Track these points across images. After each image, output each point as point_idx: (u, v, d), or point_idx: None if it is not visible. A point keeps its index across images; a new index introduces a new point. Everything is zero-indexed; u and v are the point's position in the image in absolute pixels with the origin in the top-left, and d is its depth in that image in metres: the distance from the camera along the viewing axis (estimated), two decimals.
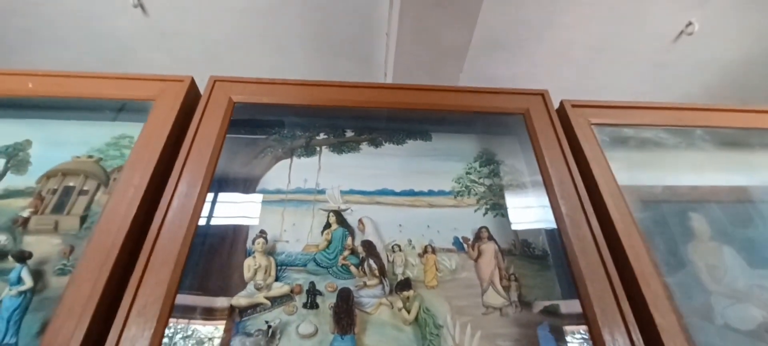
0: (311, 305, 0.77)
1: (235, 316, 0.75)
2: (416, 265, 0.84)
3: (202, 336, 0.71)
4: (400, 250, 0.86)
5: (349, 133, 1.06)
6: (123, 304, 0.62)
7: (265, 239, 0.83)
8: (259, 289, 0.78)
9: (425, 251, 0.86)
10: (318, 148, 1.03)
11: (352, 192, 0.95)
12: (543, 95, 1.02)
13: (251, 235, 0.86)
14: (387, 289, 0.80)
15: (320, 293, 0.79)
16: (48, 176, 0.93)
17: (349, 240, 0.86)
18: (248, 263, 0.80)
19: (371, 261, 0.81)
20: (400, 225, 0.90)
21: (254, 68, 1.92)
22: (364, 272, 0.81)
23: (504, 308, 0.78)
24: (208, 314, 0.74)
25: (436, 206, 0.95)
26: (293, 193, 0.94)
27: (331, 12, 1.80)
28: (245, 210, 0.90)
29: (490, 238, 0.88)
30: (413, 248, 0.87)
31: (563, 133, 0.94)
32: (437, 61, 1.74)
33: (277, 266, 0.82)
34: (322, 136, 1.05)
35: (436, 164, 1.03)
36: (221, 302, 0.75)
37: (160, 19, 1.69)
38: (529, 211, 0.96)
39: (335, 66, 1.82)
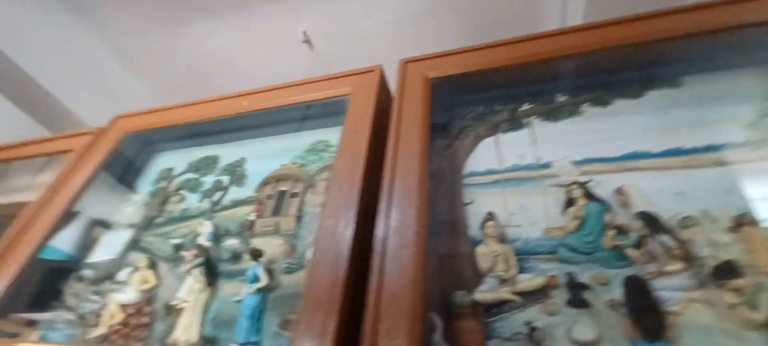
0: (577, 302, 0.57)
1: (481, 314, 0.60)
2: (730, 243, 0.57)
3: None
4: (696, 225, 0.59)
5: (561, 97, 0.86)
6: (371, 296, 0.53)
7: (496, 222, 0.68)
8: (502, 282, 0.62)
9: (738, 224, 0.58)
10: (525, 120, 0.85)
11: (588, 161, 0.74)
12: None
13: (472, 221, 0.72)
14: (696, 278, 0.54)
15: (586, 287, 0.58)
16: (264, 183, 0.98)
17: (607, 217, 0.64)
18: (483, 252, 0.65)
19: (663, 238, 0.57)
20: (679, 193, 0.64)
21: None
22: (651, 256, 0.57)
23: None
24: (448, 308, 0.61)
25: (729, 164, 0.65)
26: (510, 171, 0.78)
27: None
28: (459, 195, 0.77)
29: None
30: (714, 220, 0.59)
31: None
32: None
33: (515, 254, 0.65)
34: (527, 106, 0.87)
35: (705, 113, 0.74)
36: (461, 296, 0.61)
37: (324, 49, 1.82)
38: None
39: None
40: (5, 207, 1.33)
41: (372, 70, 0.91)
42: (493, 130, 0.86)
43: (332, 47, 1.81)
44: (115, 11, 1.84)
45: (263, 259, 0.78)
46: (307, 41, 1.78)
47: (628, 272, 0.58)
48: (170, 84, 2.07)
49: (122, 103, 2.27)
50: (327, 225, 0.64)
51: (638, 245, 0.59)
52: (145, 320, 0.79)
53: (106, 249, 0.99)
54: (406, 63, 0.89)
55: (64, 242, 1.00)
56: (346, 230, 0.62)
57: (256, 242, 0.85)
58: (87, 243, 1.02)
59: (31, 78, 1.70)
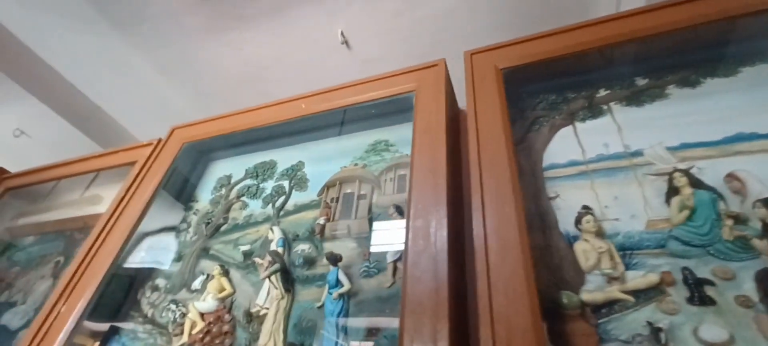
0: (701, 299, 0.53)
1: (589, 316, 0.56)
2: None
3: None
4: None
5: (642, 80, 0.81)
6: (481, 300, 0.50)
7: (594, 216, 0.64)
8: (610, 281, 0.58)
9: None
10: (604, 107, 0.80)
11: (685, 146, 0.69)
12: None
13: (561, 216, 0.68)
14: None
15: (709, 282, 0.54)
16: (328, 186, 0.97)
17: (720, 205, 0.59)
18: (584, 248, 0.61)
19: None
20: None
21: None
22: None
23: None
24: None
25: None
26: (596, 162, 0.73)
27: None
28: (542, 190, 0.73)
29: None
30: None
31: None
32: None
33: (617, 250, 0.61)
34: (604, 91, 0.82)
35: None
36: (567, 297, 0.58)
37: (361, 49, 1.81)
38: None
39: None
40: (57, 223, 1.38)
41: (435, 65, 0.88)
42: (570, 119, 0.82)
43: (370, 47, 1.80)
44: (156, 26, 1.88)
45: (341, 263, 0.76)
46: (345, 42, 1.77)
47: (757, 264, 0.53)
48: (211, 93, 2.11)
49: (165, 114, 2.33)
50: (417, 226, 0.62)
51: (762, 234, 0.55)
52: (226, 328, 0.79)
53: (176, 257, 1.01)
54: (472, 55, 0.86)
55: (135, 253, 1.02)
56: (439, 231, 0.60)
57: (328, 246, 0.84)
58: (156, 252, 1.04)
59: (80, 93, 1.76)
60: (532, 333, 0.46)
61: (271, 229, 0.92)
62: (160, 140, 1.20)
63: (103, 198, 1.42)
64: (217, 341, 0.78)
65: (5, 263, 1.30)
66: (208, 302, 0.83)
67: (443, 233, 0.59)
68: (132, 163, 1.18)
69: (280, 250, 0.86)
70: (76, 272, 0.91)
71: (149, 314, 0.91)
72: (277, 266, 0.81)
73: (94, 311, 0.87)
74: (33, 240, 1.33)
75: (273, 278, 0.80)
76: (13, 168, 1.52)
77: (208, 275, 0.92)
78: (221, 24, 1.86)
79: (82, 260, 0.93)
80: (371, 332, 0.68)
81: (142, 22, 1.80)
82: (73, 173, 1.33)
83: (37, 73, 1.64)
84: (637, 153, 0.71)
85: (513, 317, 0.48)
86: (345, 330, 0.70)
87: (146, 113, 2.02)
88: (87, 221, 1.31)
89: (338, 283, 0.73)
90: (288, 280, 0.80)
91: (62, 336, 0.79)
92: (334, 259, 0.76)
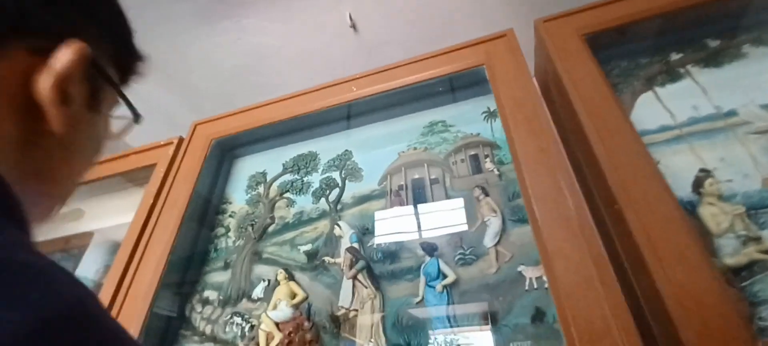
0: None
1: (733, 281, 0.55)
2: None
3: None
4: None
5: (714, 42, 0.80)
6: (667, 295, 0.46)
7: (715, 178, 0.62)
8: (746, 242, 0.56)
9: None
10: (682, 70, 0.79)
11: None
12: None
13: (672, 182, 0.66)
14: None
15: None
16: (390, 173, 0.90)
17: None
18: (712, 212, 0.60)
19: None
20: None
21: None
22: None
23: None
24: None
25: None
26: (689, 125, 0.72)
27: None
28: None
29: None
30: None
31: None
32: None
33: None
34: (676, 55, 0.81)
35: None
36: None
37: (371, 32, 1.73)
38: None
39: None
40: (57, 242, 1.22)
41: (504, 35, 0.83)
42: (649, 84, 0.80)
43: (379, 30, 1.71)
44: (140, 14, 1.67)
45: (438, 253, 0.71)
46: (353, 26, 1.68)
47: None
48: (203, 90, 1.94)
49: (152, 115, 2.13)
50: (547, 209, 0.57)
51: None
52: (309, 336, 0.72)
53: (222, 266, 0.91)
54: (543, 22, 0.81)
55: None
56: (581, 213, 0.55)
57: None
58: (196, 261, 0.93)
59: None
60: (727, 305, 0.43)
61: (337, 224, 0.84)
62: (180, 139, 1.07)
63: (84, 212, 1.27)
64: None
65: None
66: (282, 311, 0.75)
67: (586, 216, 0.55)
68: (150, 167, 1.04)
69: (355, 245, 0.79)
70: (115, 295, 0.79)
71: (207, 331, 0.81)
72: (363, 263, 0.74)
73: (145, 338, 0.76)
74: None
75: (360, 276, 0.73)
76: None
77: (269, 282, 0.83)
78: (214, 11, 1.71)
79: (120, 281, 0.81)
80: (486, 322, 0.63)
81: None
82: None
83: None
84: (731, 113, 0.70)
85: (691, 287, 0.45)
86: (456, 323, 0.65)
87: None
88: (70, 241, 1.16)
89: (440, 274, 0.68)
90: (373, 277, 0.74)
91: None
92: (431, 249, 0.71)
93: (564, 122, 0.69)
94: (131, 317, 0.75)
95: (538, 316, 0.61)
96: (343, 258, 0.79)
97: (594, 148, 0.59)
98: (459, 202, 0.79)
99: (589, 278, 0.49)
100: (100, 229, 1.10)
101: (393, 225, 0.82)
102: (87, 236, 1.15)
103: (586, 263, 0.50)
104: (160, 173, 0.99)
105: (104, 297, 0.80)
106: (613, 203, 0.54)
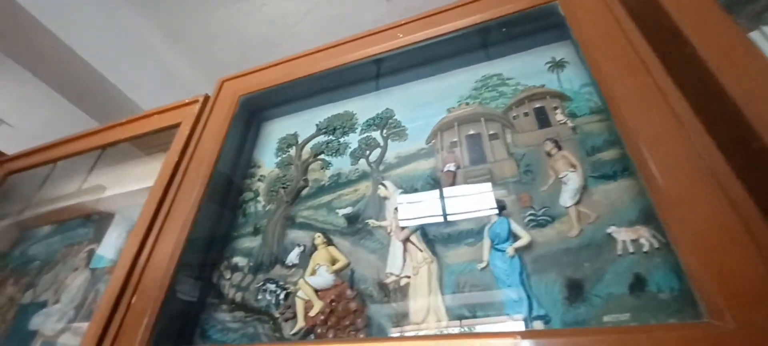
0: None
1: None
2: None
3: None
4: None
5: None
6: None
7: None
8: None
9: None
10: None
11: None
12: None
13: None
14: None
15: None
16: (439, 130, 0.80)
17: None
18: None
19: None
20: None
21: None
22: None
23: None
24: None
25: None
26: None
27: None
28: None
29: None
30: None
31: None
32: None
33: None
34: None
35: None
36: None
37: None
38: None
39: None
40: (79, 207, 1.17)
41: None
42: (755, 22, 0.67)
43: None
44: None
45: (507, 212, 0.60)
46: None
47: None
48: (226, 61, 1.87)
49: (173, 86, 2.08)
50: (664, 153, 0.46)
51: None
52: (353, 305, 0.62)
53: (251, 231, 0.83)
54: None
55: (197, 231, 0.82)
56: (711, 153, 0.44)
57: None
58: (223, 226, 0.85)
59: (80, 58, 1.51)
60: None
61: (382, 185, 0.75)
62: (206, 97, 0.99)
63: (105, 188, 1.21)
64: (346, 322, 0.61)
65: (20, 260, 1.08)
66: (322, 277, 0.66)
67: (711, 147, 0.43)
68: (174, 127, 0.97)
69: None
70: (136, 258, 0.71)
71: (238, 299, 0.73)
72: (415, 225, 0.64)
73: (169, 301, 0.69)
74: (51, 230, 1.11)
75: (414, 238, 0.63)
76: None
77: (304, 247, 0.74)
78: None
79: (141, 244, 0.73)
80: (570, 290, 0.53)
81: None
82: (88, 147, 1.11)
83: (27, 33, 1.38)
84: None
85: None
86: (531, 291, 0.54)
87: (152, 86, 1.78)
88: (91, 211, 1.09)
89: (511, 235, 0.57)
90: (427, 240, 0.64)
91: (143, 331, 0.60)
92: (500, 206, 0.60)
93: (667, 57, 0.57)
94: (154, 282, 0.67)
95: (638, 284, 0.50)
96: (390, 220, 0.70)
97: (720, 79, 0.47)
98: (524, 158, 0.68)
99: (733, 230, 0.38)
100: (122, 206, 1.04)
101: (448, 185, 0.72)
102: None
103: (725, 213, 0.39)
104: (184, 132, 0.91)
105: (125, 260, 0.73)
106: (753, 140, 0.42)
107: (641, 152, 0.48)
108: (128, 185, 1.13)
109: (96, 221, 1.06)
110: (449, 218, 0.66)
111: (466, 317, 0.56)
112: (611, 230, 0.55)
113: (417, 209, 0.68)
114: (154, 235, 0.73)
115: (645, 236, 0.53)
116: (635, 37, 0.57)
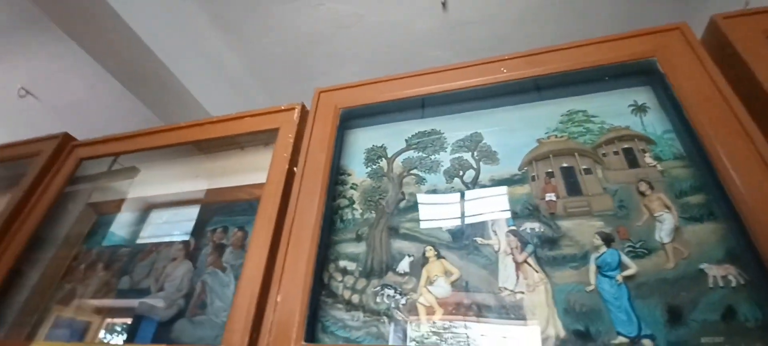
0: None
1: None
2: None
3: None
4: None
5: None
6: None
7: None
8: None
9: None
10: None
11: None
12: None
13: None
14: None
15: None
16: (533, 159, 0.89)
17: None
18: None
19: None
20: None
21: (545, 40, 1.78)
22: None
23: None
24: None
25: None
26: None
27: None
28: None
29: None
30: None
31: None
32: None
33: None
34: None
35: None
36: None
37: (457, 11, 1.68)
38: None
39: (650, 12, 1.56)
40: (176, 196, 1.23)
41: (677, 28, 0.81)
42: None
43: (469, 8, 1.67)
44: None
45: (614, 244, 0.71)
46: (445, 2, 1.63)
47: None
48: (274, 54, 1.91)
49: (219, 76, 2.10)
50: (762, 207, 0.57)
51: None
52: (471, 314, 0.72)
53: (353, 237, 0.91)
54: (723, 19, 0.79)
55: None
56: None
57: (565, 225, 0.78)
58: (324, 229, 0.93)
59: (141, 43, 1.53)
60: None
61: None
62: (302, 105, 1.06)
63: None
64: (465, 330, 0.71)
65: (102, 245, 1.14)
66: (441, 287, 0.76)
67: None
68: (269, 131, 1.04)
69: (510, 228, 0.79)
70: (272, 253, 0.79)
71: (354, 300, 0.82)
72: (532, 247, 0.74)
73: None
74: (140, 217, 1.16)
75: (530, 259, 0.73)
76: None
77: (413, 257, 0.83)
78: None
79: (273, 245, 0.81)
80: (670, 315, 0.64)
81: None
82: (175, 142, 1.16)
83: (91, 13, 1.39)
84: None
85: None
86: (636, 314, 0.65)
87: (201, 72, 1.81)
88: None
89: (620, 265, 0.68)
90: (538, 260, 0.74)
91: (296, 329, 0.69)
92: (608, 239, 0.71)
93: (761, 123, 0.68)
94: (295, 282, 0.76)
95: (730, 314, 0.62)
96: (494, 239, 0.79)
97: None
98: (617, 194, 0.79)
99: None
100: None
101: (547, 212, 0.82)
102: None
103: None
104: (286, 138, 0.98)
105: (257, 261, 0.81)
106: None
107: (743, 205, 0.58)
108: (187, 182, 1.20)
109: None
110: (556, 243, 0.76)
111: (581, 332, 0.66)
112: (704, 266, 0.66)
113: (527, 232, 0.78)
114: (285, 237, 0.81)
115: (733, 273, 0.65)
116: (734, 98, 0.67)
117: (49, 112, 2.32)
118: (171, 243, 1.05)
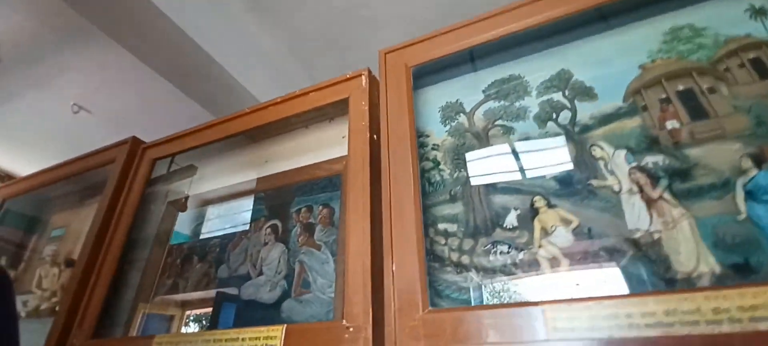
0: None
1: None
2: None
3: None
4: None
5: None
6: None
7: None
8: None
9: None
10: None
11: None
12: None
13: None
14: None
15: None
16: (641, 87, 0.81)
17: None
18: None
19: None
20: None
21: None
22: None
23: None
24: None
25: None
26: None
27: None
28: None
29: None
30: None
31: None
32: None
33: None
34: None
35: None
36: None
37: None
38: None
39: None
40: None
41: None
42: None
43: None
44: None
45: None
46: None
47: None
48: (308, 30, 1.85)
49: (249, 52, 2.08)
50: None
51: None
52: (601, 261, 0.67)
53: (447, 198, 0.87)
54: None
55: None
56: None
57: (694, 153, 0.70)
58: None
59: (187, 37, 1.51)
60: None
61: (597, 146, 0.77)
62: (368, 70, 1.01)
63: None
64: (595, 274, 0.67)
65: (189, 238, 1.16)
66: (563, 237, 0.71)
67: None
68: (339, 102, 1.00)
69: (633, 165, 0.72)
70: (373, 225, 0.77)
71: (464, 261, 0.79)
72: (666, 181, 0.67)
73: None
74: (215, 211, 1.18)
75: (666, 194, 0.67)
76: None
77: (520, 210, 0.79)
78: None
79: (374, 202, 0.79)
80: None
81: None
82: (244, 128, 1.14)
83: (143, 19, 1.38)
84: None
85: None
86: None
87: (244, 60, 1.78)
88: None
89: None
90: (673, 195, 0.67)
91: (420, 295, 0.67)
92: (759, 160, 0.63)
93: None
94: (408, 248, 0.73)
95: None
96: (612, 179, 0.73)
97: None
98: (752, 110, 0.69)
99: None
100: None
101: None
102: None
103: None
104: (359, 106, 0.94)
105: (362, 236, 0.79)
106: None
107: None
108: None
109: (262, 198, 1.12)
110: (688, 174, 0.69)
111: (739, 265, 0.60)
112: None
113: (651, 166, 0.71)
114: (386, 206, 0.78)
115: None
116: None
117: (102, 124, 2.40)
118: (259, 229, 1.06)
